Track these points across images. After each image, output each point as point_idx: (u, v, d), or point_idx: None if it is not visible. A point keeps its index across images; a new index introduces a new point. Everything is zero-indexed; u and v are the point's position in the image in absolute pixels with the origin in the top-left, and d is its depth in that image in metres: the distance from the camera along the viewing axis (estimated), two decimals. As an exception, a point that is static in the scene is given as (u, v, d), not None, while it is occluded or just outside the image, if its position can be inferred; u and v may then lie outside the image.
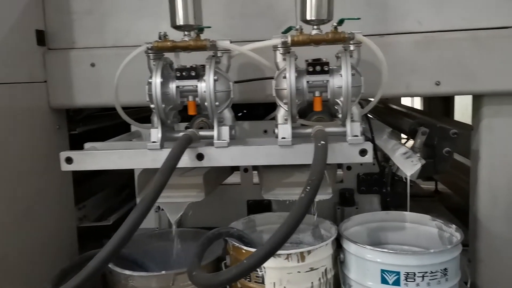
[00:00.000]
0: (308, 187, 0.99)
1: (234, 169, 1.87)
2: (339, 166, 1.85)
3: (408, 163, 1.45)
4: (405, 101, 4.16)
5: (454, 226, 1.42)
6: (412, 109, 2.99)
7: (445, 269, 1.26)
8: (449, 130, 1.57)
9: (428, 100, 3.54)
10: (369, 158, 1.25)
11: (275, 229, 1.67)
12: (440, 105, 3.52)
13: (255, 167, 1.86)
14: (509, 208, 1.72)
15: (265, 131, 1.78)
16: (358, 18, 1.22)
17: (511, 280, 1.75)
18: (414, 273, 1.24)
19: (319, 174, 1.02)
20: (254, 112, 1.93)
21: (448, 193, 3.11)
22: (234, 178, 1.98)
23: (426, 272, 1.24)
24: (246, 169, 1.85)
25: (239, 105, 1.84)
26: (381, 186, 1.77)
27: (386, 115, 2.46)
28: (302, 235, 1.64)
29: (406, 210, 1.74)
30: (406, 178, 1.52)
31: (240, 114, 2.12)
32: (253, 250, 1.35)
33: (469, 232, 1.85)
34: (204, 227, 1.76)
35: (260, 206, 1.82)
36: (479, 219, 1.76)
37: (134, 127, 1.64)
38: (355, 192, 1.81)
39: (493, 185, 1.71)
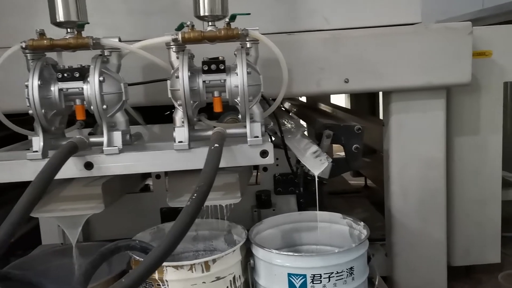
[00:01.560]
0: (195, 194, 0.92)
1: (145, 175, 1.76)
2: (255, 167, 1.80)
3: (316, 162, 1.43)
4: (340, 98, 4.24)
5: (362, 223, 1.42)
6: (337, 107, 3.03)
7: (351, 268, 1.25)
8: (353, 127, 1.57)
9: (354, 98, 3.61)
10: (270, 159, 1.20)
11: (188, 237, 1.62)
12: (366, 102, 3.60)
13: (167, 173, 1.77)
14: (420, 202, 1.76)
15: (177, 134, 1.69)
16: (248, 14, 1.17)
17: (424, 272, 1.80)
18: (320, 274, 1.21)
19: (208, 179, 0.96)
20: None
21: (375, 188, 3.19)
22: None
23: (332, 273, 1.22)
24: (158, 175, 1.75)
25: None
26: (297, 186, 1.74)
27: (309, 114, 2.46)
28: (216, 242, 1.57)
29: (322, 210, 1.74)
30: (317, 177, 1.49)
31: (167, 112, 2.02)
32: (155, 262, 1.26)
33: (385, 227, 1.88)
34: (114, 239, 1.64)
35: (174, 214, 1.69)
36: (393, 214, 1.79)
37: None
38: (272, 193, 1.77)
39: (404, 179, 1.75)
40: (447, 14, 3.38)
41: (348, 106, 3.86)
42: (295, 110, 3.22)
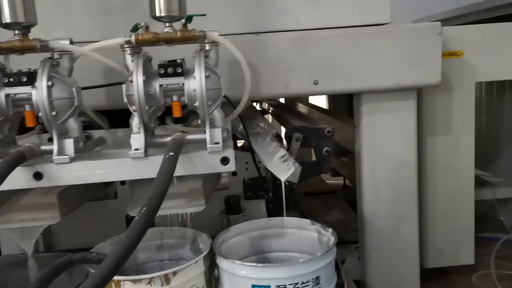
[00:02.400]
0: (144, 208, 0.87)
1: (108, 182, 1.69)
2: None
3: (283, 168, 1.38)
4: (320, 99, 4.21)
5: (330, 229, 1.38)
6: (315, 108, 3.00)
7: (317, 277, 1.21)
8: (324, 130, 1.53)
9: (332, 98, 3.59)
10: (231, 166, 1.16)
11: (153, 246, 1.56)
12: (345, 103, 3.58)
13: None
14: (392, 204, 1.74)
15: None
16: (204, 15, 1.12)
17: (397, 275, 1.78)
18: (284, 285, 1.17)
19: (159, 191, 0.90)
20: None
21: (354, 188, 3.15)
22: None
23: (297, 283, 1.18)
24: (123, 182, 1.69)
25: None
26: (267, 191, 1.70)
27: (284, 115, 2.42)
28: (182, 250, 1.52)
29: (297, 212, 1.70)
30: (286, 182, 1.45)
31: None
32: (115, 277, 1.20)
33: (358, 230, 1.85)
34: (78, 249, 1.58)
35: (141, 221, 1.66)
36: (365, 217, 1.76)
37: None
38: (242, 198, 1.72)
39: (376, 181, 1.72)
40: (422, 13, 3.38)
41: (328, 107, 3.83)
42: (272, 110, 3.19)
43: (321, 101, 4.09)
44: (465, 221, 1.93)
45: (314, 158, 1.67)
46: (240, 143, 2.02)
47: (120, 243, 0.82)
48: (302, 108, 3.26)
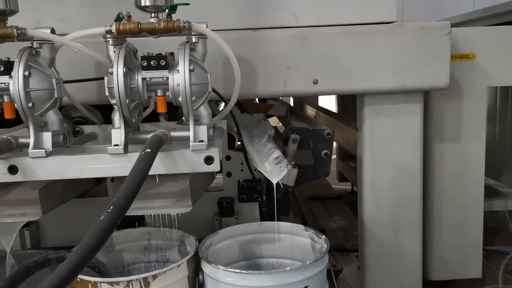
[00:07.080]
0: (111, 207, 0.81)
1: (98, 178, 1.65)
2: (219, 171, 1.69)
3: (275, 169, 1.31)
4: (330, 102, 4.12)
5: (323, 237, 1.30)
6: (323, 111, 2.92)
7: (306, 287, 1.13)
8: (323, 131, 1.46)
9: (341, 101, 3.49)
10: (215, 166, 1.09)
11: (140, 247, 1.50)
12: (354, 105, 3.48)
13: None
14: (393, 212, 1.65)
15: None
16: (187, 4, 1.05)
17: (396, 287, 1.69)
18: (270, 294, 1.10)
19: (128, 190, 0.84)
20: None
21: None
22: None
23: (284, 293, 1.11)
24: (113, 178, 1.63)
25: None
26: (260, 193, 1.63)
27: (289, 118, 2.34)
28: (169, 252, 1.46)
29: (292, 219, 1.62)
30: (281, 184, 1.38)
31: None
32: (92, 279, 1.15)
33: (358, 238, 1.77)
34: (65, 247, 1.54)
35: (131, 221, 1.60)
36: (365, 224, 1.67)
37: None
38: (236, 200, 1.65)
39: (376, 187, 1.64)
40: (437, 16, 3.27)
41: (337, 110, 3.74)
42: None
43: (331, 105, 4.00)
44: (473, 233, 1.83)
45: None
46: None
47: (81, 245, 0.76)
48: (310, 110, 3.18)
